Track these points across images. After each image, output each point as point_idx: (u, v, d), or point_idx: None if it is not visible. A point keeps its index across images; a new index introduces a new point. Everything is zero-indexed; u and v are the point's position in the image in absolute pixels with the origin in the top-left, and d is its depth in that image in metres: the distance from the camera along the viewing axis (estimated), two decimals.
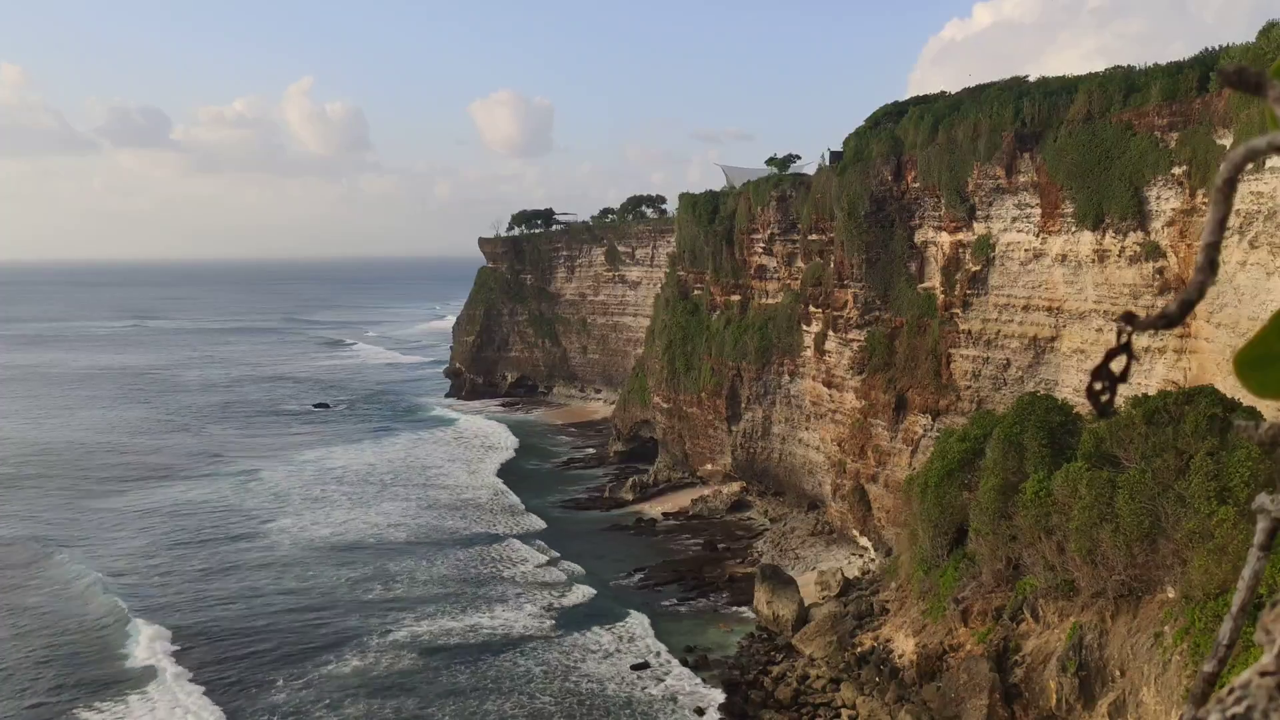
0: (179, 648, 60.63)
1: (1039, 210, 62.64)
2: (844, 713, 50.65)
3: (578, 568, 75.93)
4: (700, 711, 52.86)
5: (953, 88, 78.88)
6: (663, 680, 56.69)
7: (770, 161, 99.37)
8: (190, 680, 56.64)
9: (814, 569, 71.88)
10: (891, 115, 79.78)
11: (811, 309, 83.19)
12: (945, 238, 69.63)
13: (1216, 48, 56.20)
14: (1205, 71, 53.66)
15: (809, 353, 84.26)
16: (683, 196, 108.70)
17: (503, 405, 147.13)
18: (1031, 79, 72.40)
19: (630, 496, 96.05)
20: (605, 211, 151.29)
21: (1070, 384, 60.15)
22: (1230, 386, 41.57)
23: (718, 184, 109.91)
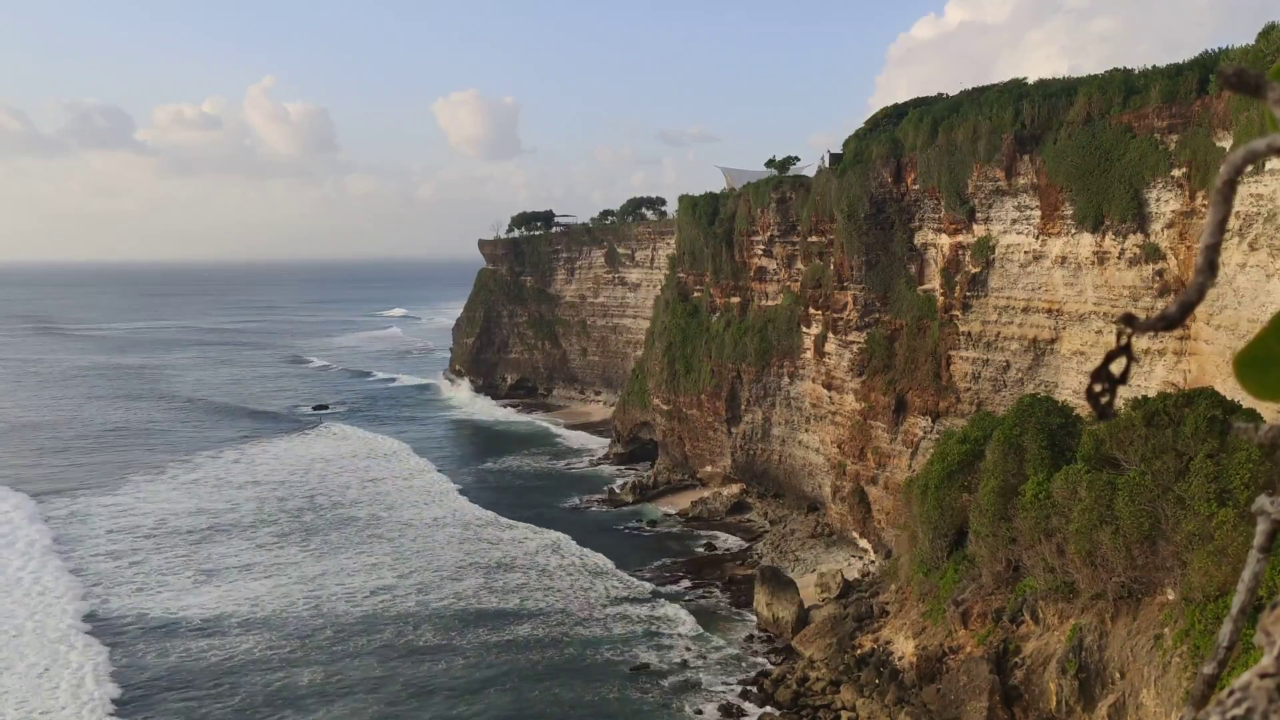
0: None
1: (1039, 212, 62.65)
2: (844, 715, 50.63)
3: (578, 568, 75.89)
4: (699, 713, 52.84)
5: (923, 90, 79.22)
6: (661, 682, 56.66)
7: (770, 163, 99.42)
8: None
9: (814, 571, 71.88)
10: (891, 117, 79.83)
11: (811, 311, 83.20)
12: (945, 239, 69.65)
13: (1215, 49, 56.21)
14: (1205, 74, 53.66)
15: (809, 354, 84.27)
16: (682, 198, 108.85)
17: (502, 408, 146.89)
18: (1030, 81, 72.38)
19: (630, 498, 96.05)
20: (605, 213, 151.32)
21: (1070, 386, 60.15)
22: (1230, 388, 41.58)
23: (696, 184, 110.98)
